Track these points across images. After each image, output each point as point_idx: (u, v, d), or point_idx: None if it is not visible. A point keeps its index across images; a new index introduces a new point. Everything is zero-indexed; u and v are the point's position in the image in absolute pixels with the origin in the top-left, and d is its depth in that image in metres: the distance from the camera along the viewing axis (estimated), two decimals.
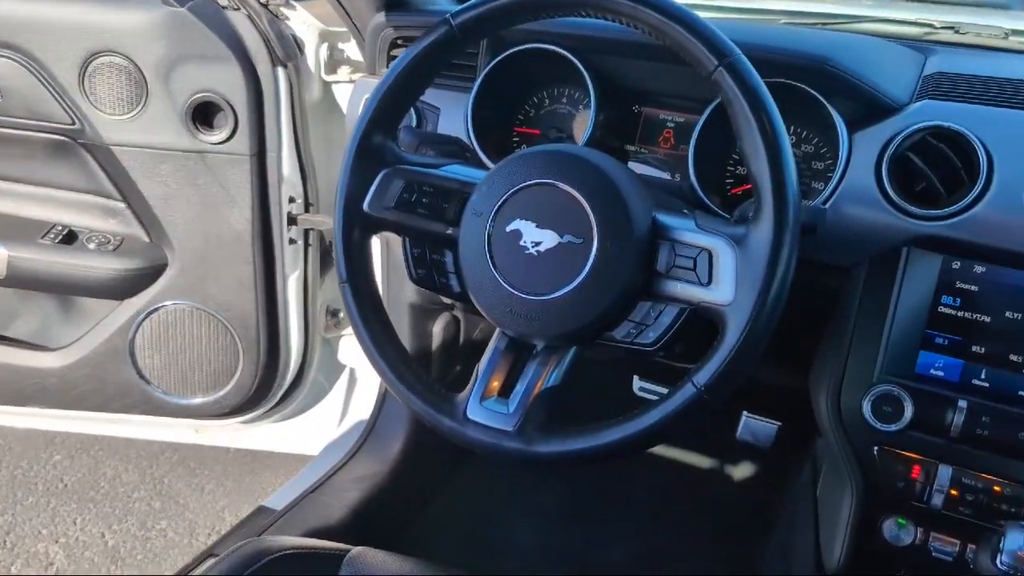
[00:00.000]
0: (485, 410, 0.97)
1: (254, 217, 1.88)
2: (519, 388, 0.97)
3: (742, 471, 2.03)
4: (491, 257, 0.96)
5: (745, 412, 1.77)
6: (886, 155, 1.07)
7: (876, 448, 1.09)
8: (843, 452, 1.11)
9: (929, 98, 1.11)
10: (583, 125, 1.26)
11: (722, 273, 0.89)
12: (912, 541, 1.08)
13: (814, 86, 1.11)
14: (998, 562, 0.87)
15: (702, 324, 0.91)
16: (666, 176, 1.29)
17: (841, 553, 1.12)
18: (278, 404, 2.14)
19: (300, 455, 2.17)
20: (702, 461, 2.06)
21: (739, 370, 0.86)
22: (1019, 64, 1.30)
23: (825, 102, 1.11)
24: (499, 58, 1.28)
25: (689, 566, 1.82)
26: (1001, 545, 0.87)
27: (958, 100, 1.11)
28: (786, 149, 0.87)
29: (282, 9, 1.84)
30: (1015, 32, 1.46)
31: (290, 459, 2.19)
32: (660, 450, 2.09)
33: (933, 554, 1.07)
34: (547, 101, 1.37)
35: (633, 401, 1.06)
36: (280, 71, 1.83)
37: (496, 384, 0.99)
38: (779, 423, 1.77)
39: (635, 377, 1.78)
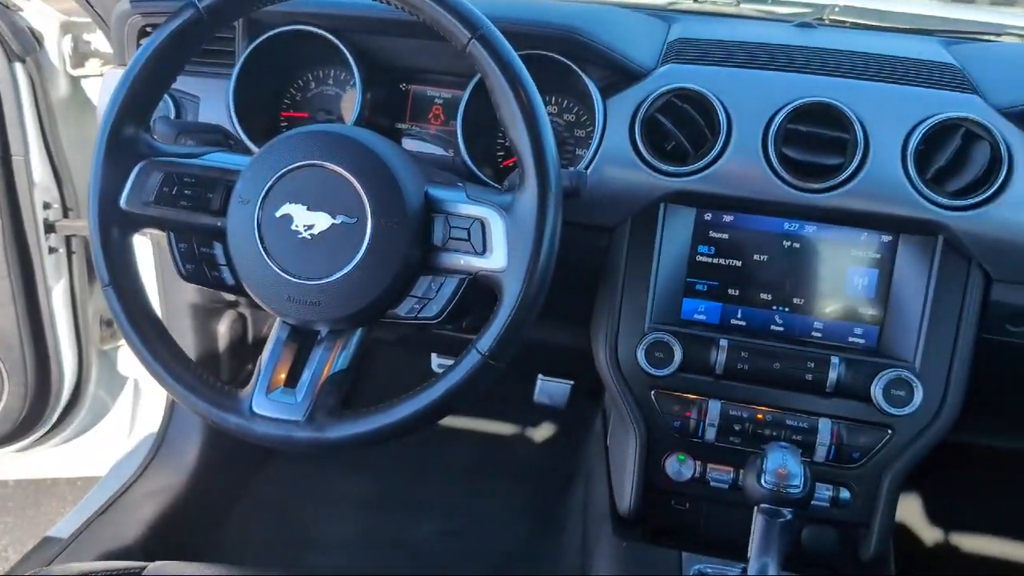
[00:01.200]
0: (272, 402, 0.95)
1: (4, 227, 1.72)
2: (306, 376, 0.95)
3: (543, 432, 2.10)
4: (263, 244, 0.93)
5: (540, 375, 1.84)
6: (637, 118, 1.13)
7: (653, 392, 1.17)
8: (624, 400, 1.18)
9: (673, 63, 1.19)
10: (351, 105, 1.25)
11: (495, 241, 0.92)
12: (692, 474, 1.17)
13: (567, 56, 1.16)
14: (762, 482, 0.96)
15: (487, 293, 0.94)
16: (440, 151, 1.30)
17: (631, 495, 1.19)
18: (55, 427, 1.99)
19: (89, 478, 2.03)
20: (506, 429, 2.12)
21: (518, 332, 0.90)
22: (751, 28, 1.41)
23: (578, 70, 1.16)
24: (257, 42, 1.24)
25: (500, 533, 1.87)
26: (764, 465, 0.96)
27: (699, 63, 1.19)
28: (542, 117, 0.90)
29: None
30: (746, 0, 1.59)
31: (78, 484, 2.04)
32: (466, 424, 2.13)
33: (712, 483, 1.16)
34: (313, 83, 1.34)
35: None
36: (18, 67, 1.68)
37: (282, 375, 0.96)
38: (572, 382, 1.85)
39: (433, 355, 1.80)
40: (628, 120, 1.14)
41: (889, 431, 1.12)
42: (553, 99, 1.25)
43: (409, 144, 1.30)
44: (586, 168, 1.15)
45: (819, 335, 1.16)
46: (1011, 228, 1.06)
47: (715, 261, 1.17)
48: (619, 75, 1.18)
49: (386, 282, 0.92)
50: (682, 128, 1.14)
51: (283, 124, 1.34)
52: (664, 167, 1.13)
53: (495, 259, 0.92)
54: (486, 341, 0.89)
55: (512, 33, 0.94)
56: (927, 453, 1.12)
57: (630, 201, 1.15)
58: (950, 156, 1.07)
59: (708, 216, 1.17)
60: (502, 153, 1.28)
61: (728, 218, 1.16)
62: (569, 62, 1.16)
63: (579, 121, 1.25)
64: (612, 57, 1.16)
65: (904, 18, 1.57)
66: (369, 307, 0.93)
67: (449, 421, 2.11)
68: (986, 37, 1.48)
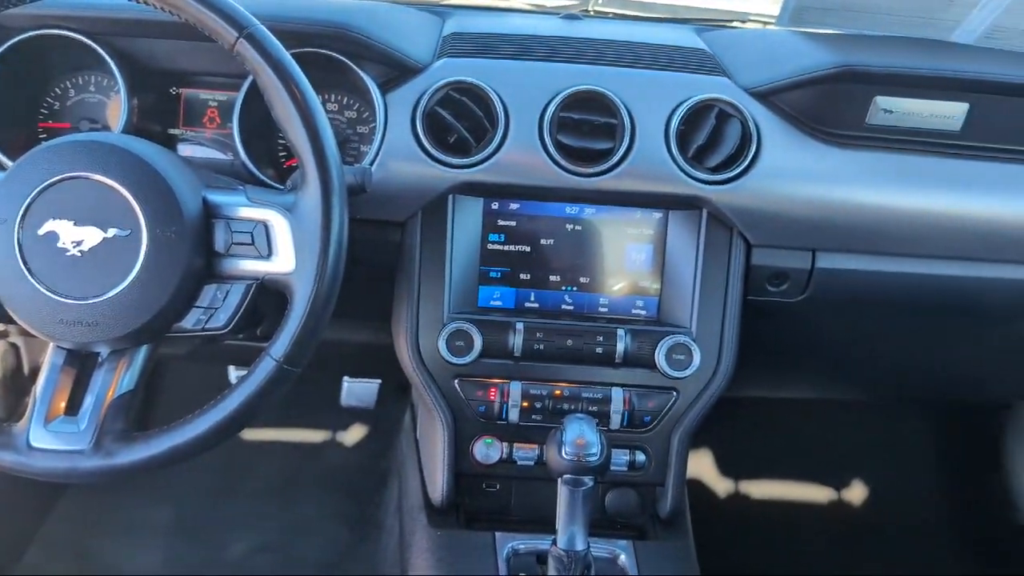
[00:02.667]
0: (52, 433, 0.89)
1: None
2: (88, 401, 0.90)
3: (355, 435, 2.09)
4: (26, 266, 0.87)
5: (345, 377, 1.83)
6: (418, 112, 1.15)
7: (456, 380, 1.19)
8: (429, 391, 1.19)
9: (448, 56, 1.22)
10: (117, 113, 1.18)
11: (280, 243, 0.90)
12: (500, 456, 1.20)
13: (343, 53, 1.15)
14: (563, 453, 1.00)
15: (278, 297, 0.92)
16: (219, 156, 1.26)
17: (443, 484, 1.21)
18: None
19: None
20: (316, 436, 2.08)
21: (313, 335, 0.89)
22: (522, 21, 1.47)
23: (354, 67, 1.16)
24: (1, 49, 1.15)
25: (318, 541, 1.84)
26: (563, 438, 1.01)
27: (474, 56, 1.22)
28: (319, 114, 0.89)
29: None
30: None
31: None
32: (274, 435, 2.08)
33: (519, 463, 1.20)
34: (72, 91, 1.26)
35: None
36: None
37: (61, 403, 0.91)
38: (379, 380, 1.85)
39: (231, 368, 1.74)
40: (409, 115, 1.16)
41: (675, 393, 1.20)
42: (332, 96, 1.24)
43: (185, 150, 1.25)
44: (370, 164, 1.15)
45: (606, 310, 1.22)
46: (763, 198, 1.17)
47: (506, 248, 1.21)
48: (397, 70, 1.19)
49: (167, 295, 0.88)
50: (462, 120, 1.16)
51: (42, 136, 1.25)
52: (448, 159, 1.15)
53: (282, 262, 0.90)
54: (279, 347, 0.88)
55: (283, 31, 0.92)
56: (710, 410, 1.21)
57: (418, 194, 1.16)
58: (707, 135, 1.16)
59: (495, 205, 1.20)
60: (284, 154, 1.26)
61: (514, 206, 1.20)
62: (344, 59, 1.16)
63: (361, 118, 1.25)
64: (388, 53, 1.17)
65: (661, 8, 1.69)
66: (151, 323, 0.88)
67: (256, 434, 2.05)
68: (733, 24, 1.61)
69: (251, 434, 2.01)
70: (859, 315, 1.34)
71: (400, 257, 1.21)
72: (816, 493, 2.09)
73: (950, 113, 1.19)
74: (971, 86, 1.18)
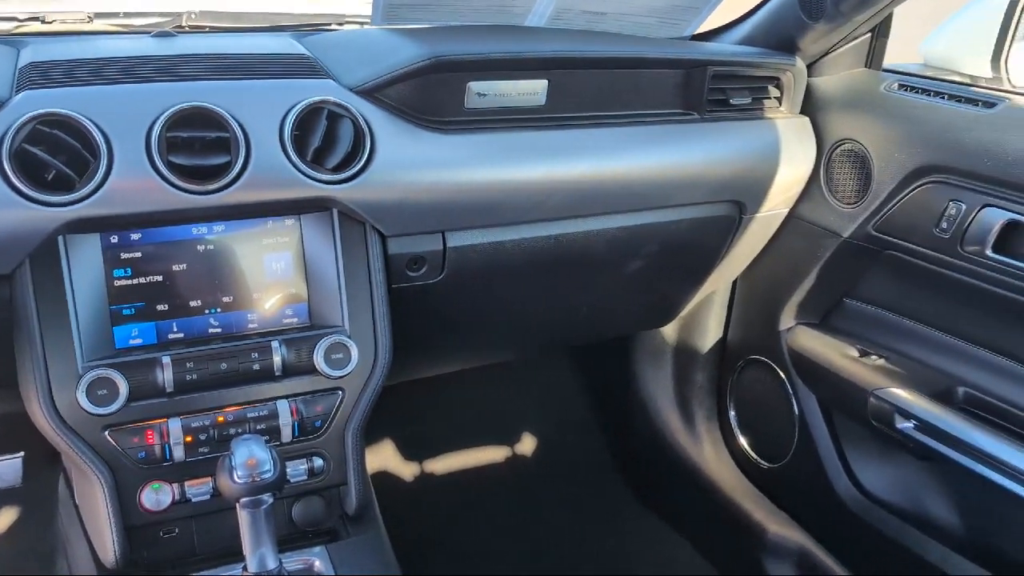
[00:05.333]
0: None
1: None
2: None
3: (4, 520, 1.85)
4: None
5: None
6: (2, 153, 1.04)
7: (107, 432, 1.11)
8: (78, 451, 1.10)
9: (29, 89, 1.11)
10: None
11: None
12: (173, 498, 1.14)
13: None
14: (235, 478, 0.98)
15: None
16: None
17: (113, 543, 1.12)
18: None
19: None
20: None
21: None
22: (110, 44, 1.38)
23: None
24: None
25: None
26: (232, 463, 0.99)
27: (60, 86, 1.13)
28: None
29: None
30: (99, 15, 1.54)
31: None
32: None
33: (194, 500, 1.15)
34: None
35: None
36: None
37: None
38: (21, 453, 1.66)
39: None
40: None
41: (340, 392, 1.22)
42: None
43: None
44: None
45: (256, 325, 1.21)
46: (387, 189, 1.22)
47: (135, 282, 1.14)
48: None
49: None
50: (59, 155, 1.07)
51: None
52: (49, 199, 1.05)
53: None
54: None
55: None
56: (376, 401, 1.25)
57: (19, 242, 1.05)
58: (321, 137, 1.18)
59: (115, 239, 1.13)
60: None
61: (136, 236, 1.14)
62: None
63: None
64: None
65: (258, 17, 1.68)
66: None
67: None
68: (331, 27, 1.65)
69: None
70: (496, 284, 1.46)
71: (13, 313, 1.09)
72: (492, 454, 2.24)
73: (533, 90, 1.33)
74: (547, 64, 1.33)
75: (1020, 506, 1.27)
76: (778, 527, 1.77)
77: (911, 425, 1.41)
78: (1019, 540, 1.38)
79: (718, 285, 1.84)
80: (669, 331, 1.99)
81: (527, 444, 2.28)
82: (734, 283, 1.86)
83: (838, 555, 1.68)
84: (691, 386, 2.00)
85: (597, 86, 1.40)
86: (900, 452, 1.53)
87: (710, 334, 1.94)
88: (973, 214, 1.33)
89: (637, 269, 1.58)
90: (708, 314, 1.92)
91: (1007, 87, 1.52)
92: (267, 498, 0.99)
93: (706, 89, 1.47)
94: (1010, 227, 1.30)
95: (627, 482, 2.23)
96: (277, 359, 1.17)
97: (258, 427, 1.17)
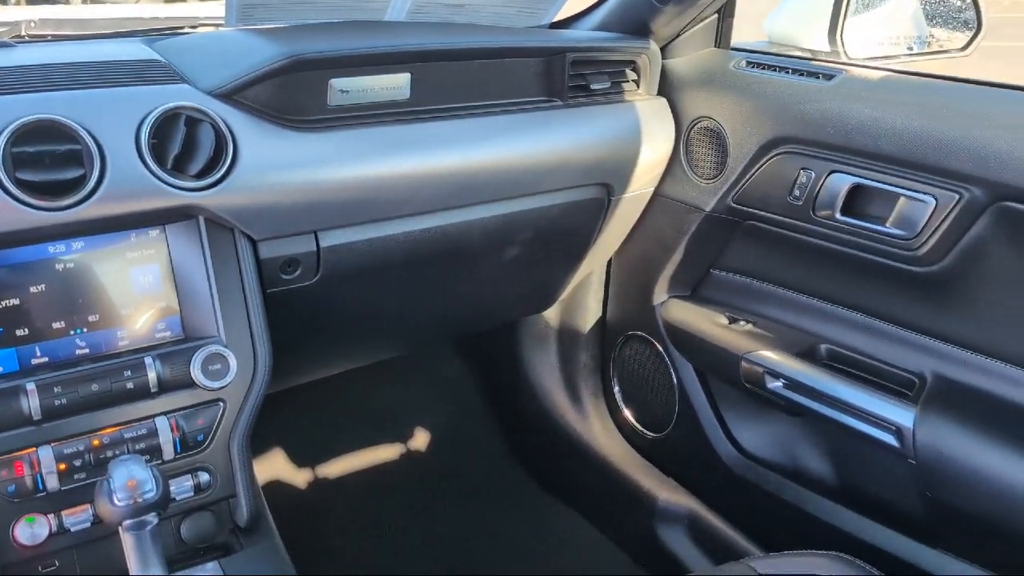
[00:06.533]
0: None
1: None
2: None
3: None
4: None
5: None
6: None
7: None
8: None
9: None
10: None
11: None
12: (49, 531, 1.09)
13: None
14: (115, 501, 0.95)
15: None
16: None
17: None
18: None
19: None
20: None
21: None
22: None
23: None
24: None
25: None
26: (111, 486, 0.95)
27: None
28: None
29: None
30: None
31: None
32: None
33: (73, 530, 1.10)
34: None
35: None
36: None
37: None
38: None
39: None
40: None
41: (221, 404, 1.19)
42: None
43: None
44: None
45: (127, 343, 1.16)
46: (253, 193, 1.20)
47: None
48: None
49: None
50: None
51: None
52: None
53: None
54: None
55: None
56: (259, 410, 1.23)
57: None
58: (181, 144, 1.15)
59: None
60: None
61: None
62: None
63: None
64: None
65: (104, 24, 1.61)
66: None
67: None
68: (184, 30, 1.60)
69: None
70: (375, 280, 1.45)
71: None
72: (386, 453, 2.24)
73: (397, 84, 1.33)
74: (408, 57, 1.33)
75: (879, 448, 1.37)
76: (667, 494, 1.84)
77: (780, 384, 1.49)
78: (880, 479, 1.49)
79: (594, 266, 1.89)
80: (551, 314, 2.03)
81: (420, 439, 2.29)
82: (609, 263, 1.91)
83: (724, 514, 1.76)
84: (576, 366, 2.04)
85: (460, 77, 1.41)
86: (773, 411, 1.61)
87: (590, 314, 1.99)
88: (822, 180, 1.42)
89: (515, 256, 1.61)
90: (587, 295, 1.97)
91: (844, 59, 1.62)
92: (151, 518, 0.96)
93: (566, 76, 1.51)
94: (856, 190, 1.39)
95: (522, 466, 2.26)
96: (152, 375, 1.14)
97: (138, 447, 1.13)
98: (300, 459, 2.14)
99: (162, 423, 1.15)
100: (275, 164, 1.22)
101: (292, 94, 1.25)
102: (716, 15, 1.68)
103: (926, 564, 1.39)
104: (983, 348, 1.32)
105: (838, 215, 1.40)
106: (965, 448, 1.25)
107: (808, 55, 1.63)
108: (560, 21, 1.73)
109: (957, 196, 1.26)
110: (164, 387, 1.15)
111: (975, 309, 1.33)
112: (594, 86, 1.55)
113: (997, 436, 1.24)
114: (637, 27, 1.61)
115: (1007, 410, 1.28)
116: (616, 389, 2.00)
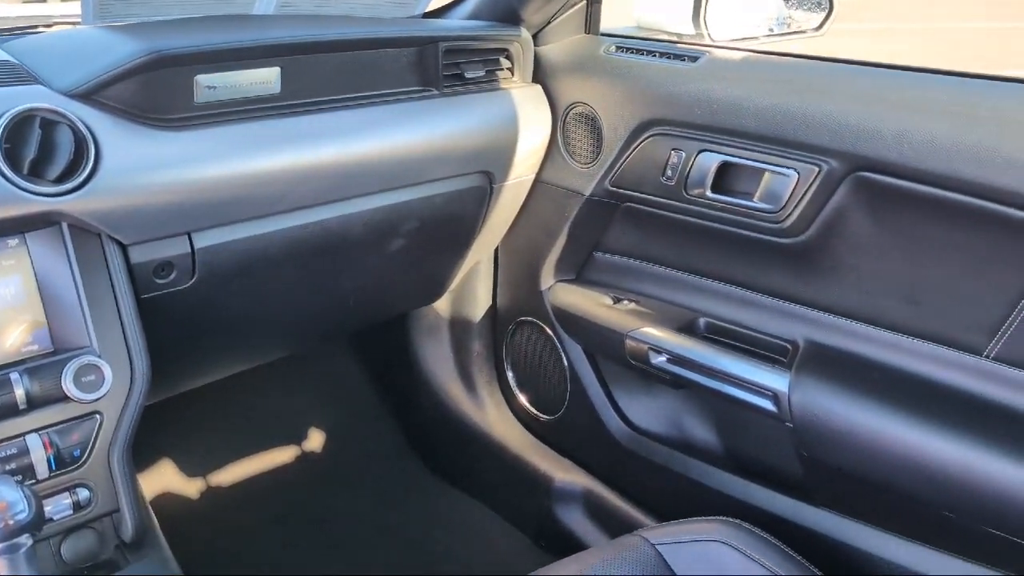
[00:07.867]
0: None
1: None
2: None
3: None
4: None
5: None
6: None
7: None
8: None
9: None
10: None
11: None
12: None
13: None
14: None
15: None
16: None
17: None
18: None
19: None
20: None
21: None
22: None
23: None
24: None
25: None
26: None
27: None
28: None
29: None
30: None
31: None
32: None
33: None
34: None
35: None
36: None
37: None
38: None
39: None
40: None
41: (97, 416, 1.14)
42: None
43: None
44: None
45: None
46: (119, 197, 1.16)
47: None
48: None
49: None
50: None
51: None
52: None
53: None
54: None
55: None
56: (139, 421, 1.19)
57: None
58: (37, 147, 1.10)
59: None
60: None
61: None
62: None
63: None
64: None
65: None
66: None
67: None
68: (37, 29, 1.53)
69: None
70: (256, 280, 1.42)
71: None
72: (281, 456, 2.20)
73: (266, 79, 1.30)
74: (277, 51, 1.30)
75: (758, 414, 1.43)
76: (563, 474, 1.88)
77: (664, 359, 1.53)
78: (761, 444, 1.55)
79: (481, 255, 1.90)
80: (442, 305, 2.03)
81: (316, 439, 2.26)
82: (497, 251, 1.93)
83: (619, 490, 1.81)
84: (469, 355, 2.05)
85: (333, 70, 1.39)
86: (659, 385, 1.66)
87: (480, 302, 2.00)
88: (692, 160, 1.47)
89: (400, 247, 1.60)
90: (476, 284, 1.98)
91: (707, 42, 1.68)
92: (25, 540, 0.92)
93: (440, 65, 1.51)
94: (724, 168, 1.44)
95: (421, 459, 2.26)
96: (20, 392, 1.08)
97: (8, 467, 1.08)
98: (190, 469, 2.08)
99: (33, 440, 1.10)
100: (141, 165, 1.18)
101: (156, 92, 1.21)
102: (585, 2, 1.71)
103: (808, 521, 1.46)
104: (849, 312, 1.39)
105: (709, 193, 1.45)
106: (836, 408, 1.32)
107: (674, 38, 1.68)
108: (433, 11, 1.73)
109: (817, 168, 1.32)
110: (34, 403, 1.10)
111: (839, 275, 1.40)
112: (468, 74, 1.56)
113: (865, 394, 1.31)
114: (507, 15, 1.63)
115: (873, 369, 1.35)
116: (510, 375, 2.02)
